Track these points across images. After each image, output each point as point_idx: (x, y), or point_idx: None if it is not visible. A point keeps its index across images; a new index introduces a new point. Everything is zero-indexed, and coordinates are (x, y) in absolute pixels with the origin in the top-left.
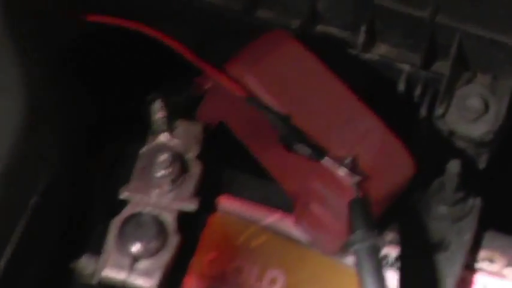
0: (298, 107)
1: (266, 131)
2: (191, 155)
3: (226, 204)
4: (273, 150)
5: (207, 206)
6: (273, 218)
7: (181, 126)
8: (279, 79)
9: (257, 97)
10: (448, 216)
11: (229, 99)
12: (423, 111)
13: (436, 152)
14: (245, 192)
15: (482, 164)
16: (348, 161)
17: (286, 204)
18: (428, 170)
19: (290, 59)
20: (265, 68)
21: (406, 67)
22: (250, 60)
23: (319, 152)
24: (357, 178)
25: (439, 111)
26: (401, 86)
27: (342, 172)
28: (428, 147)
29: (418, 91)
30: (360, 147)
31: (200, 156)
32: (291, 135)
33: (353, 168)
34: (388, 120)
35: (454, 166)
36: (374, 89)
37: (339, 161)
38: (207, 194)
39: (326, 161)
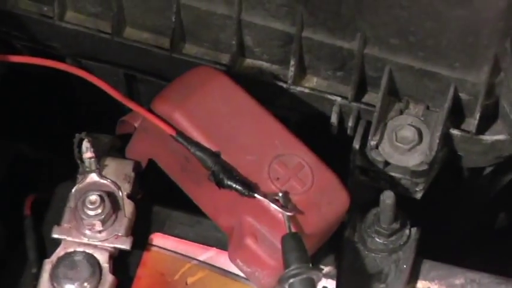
0: (228, 142)
1: (196, 168)
2: (122, 194)
3: (161, 241)
4: (204, 187)
5: (141, 244)
6: (208, 254)
7: (111, 164)
8: (208, 115)
9: (186, 134)
10: (385, 248)
11: (158, 136)
12: (356, 143)
13: (371, 184)
14: (179, 229)
15: (418, 193)
16: (279, 196)
17: (221, 240)
18: (363, 202)
19: (219, 94)
20: (194, 104)
21: (337, 99)
22: (178, 97)
23: (249, 188)
24: (288, 213)
25: (372, 142)
26: (333, 118)
27: (273, 207)
28: (363, 179)
29: (350, 123)
30: (293, 181)
31: (131, 195)
32: (221, 172)
33: (285, 203)
34: (322, 153)
35: (388, 197)
36: (306, 122)
37: (271, 196)
38: (140, 232)
39: (258, 197)
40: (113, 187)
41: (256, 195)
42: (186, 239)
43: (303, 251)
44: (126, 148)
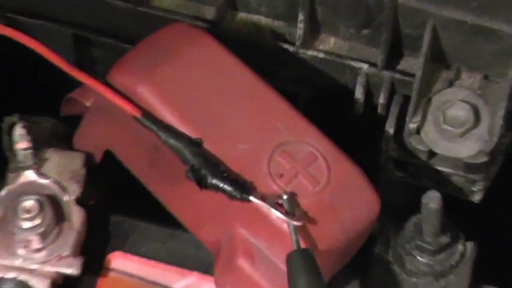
0: (213, 126)
1: (169, 161)
2: (69, 197)
3: (122, 263)
4: (180, 187)
5: (95, 267)
6: (186, 281)
7: (53, 158)
8: (185, 89)
9: (155, 115)
10: (430, 270)
11: (118, 119)
12: (390, 127)
13: (410, 182)
14: (147, 246)
15: (476, 195)
16: (283, 199)
17: (204, 261)
18: (398, 207)
19: (200, 61)
20: (166, 75)
21: (363, 67)
22: (144, 65)
23: (242, 189)
24: (295, 222)
25: (411, 125)
26: (357, 93)
27: (275, 215)
28: (398, 176)
29: (381, 99)
30: (302, 179)
31: (81, 199)
32: (204, 167)
33: (291, 209)
34: (342, 141)
35: (432, 199)
36: (320, 98)
37: (272, 199)
38: (94, 251)
39: (254, 200)
40: (56, 189)
41: (251, 198)
42: (156, 259)
43: (315, 273)
44: (74, 136)
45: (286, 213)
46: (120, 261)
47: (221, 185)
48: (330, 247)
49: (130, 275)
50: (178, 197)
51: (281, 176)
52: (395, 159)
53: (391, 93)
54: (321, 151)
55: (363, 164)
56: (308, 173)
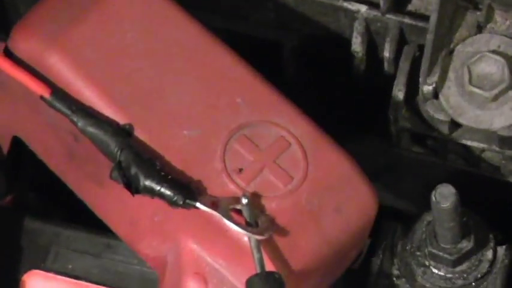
0: (146, 107)
1: (94, 155)
2: None
3: (41, 285)
4: (108, 189)
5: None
6: None
7: None
8: (108, 57)
9: (69, 93)
10: (448, 286)
11: (22, 97)
12: (398, 89)
13: (428, 158)
14: (74, 262)
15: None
16: (243, 203)
17: (149, 281)
18: (406, 201)
19: (129, 15)
20: (82, 37)
21: (361, 9)
22: (52, 25)
23: (187, 192)
24: (259, 236)
25: (426, 88)
26: (355, 45)
27: (231, 225)
28: (416, 152)
29: (386, 51)
30: (269, 174)
31: None
32: (134, 165)
33: (252, 217)
34: (334, 111)
35: (445, 197)
36: (307, 50)
37: (227, 204)
38: (3, 271)
39: (202, 208)
40: None
41: (198, 204)
42: (87, 279)
43: None
44: None
45: (246, 224)
46: (39, 283)
47: (157, 188)
48: (308, 265)
49: None
50: (107, 200)
51: (240, 171)
52: (408, 131)
53: (400, 43)
54: (295, 135)
55: (361, 143)
56: (277, 166)
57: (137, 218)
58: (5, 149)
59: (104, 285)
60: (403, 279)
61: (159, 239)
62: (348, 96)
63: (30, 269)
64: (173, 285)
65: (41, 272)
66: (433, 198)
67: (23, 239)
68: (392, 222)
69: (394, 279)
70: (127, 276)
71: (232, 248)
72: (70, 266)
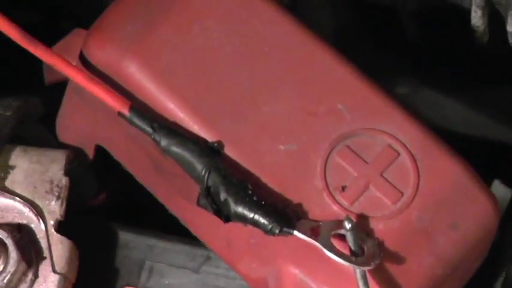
0: (236, 120)
1: (179, 169)
2: (46, 224)
3: None
4: (198, 210)
5: None
6: None
7: (21, 164)
8: (191, 64)
9: (150, 107)
10: None
11: (103, 108)
12: None
13: None
14: (172, 277)
15: None
16: (346, 228)
17: None
18: None
19: (213, 15)
20: (162, 43)
21: None
22: (129, 31)
23: (284, 219)
24: (365, 267)
25: None
26: (475, 19)
27: (332, 256)
28: None
29: (509, 25)
30: (376, 191)
31: (65, 222)
32: (224, 189)
33: (357, 245)
34: (454, 88)
35: None
36: (427, 18)
37: (328, 229)
38: (98, 285)
39: (300, 237)
40: (25, 212)
41: (296, 233)
42: None
43: None
44: (56, 120)
45: (351, 252)
46: None
47: (251, 215)
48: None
49: None
50: (199, 218)
51: (343, 189)
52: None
53: None
54: (404, 142)
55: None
56: (385, 180)
57: (233, 239)
58: (89, 157)
59: None
60: None
61: (257, 261)
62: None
63: (123, 286)
64: None
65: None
66: None
67: (115, 253)
68: None
69: None
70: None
71: (338, 275)
72: (166, 282)
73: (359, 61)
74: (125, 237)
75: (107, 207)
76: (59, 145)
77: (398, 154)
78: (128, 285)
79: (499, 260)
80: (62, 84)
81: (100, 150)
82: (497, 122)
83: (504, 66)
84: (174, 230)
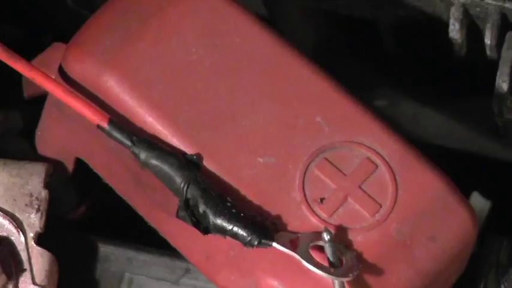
0: (214, 133)
1: (158, 182)
2: (26, 236)
3: None
4: (178, 220)
5: None
6: None
7: (2, 173)
8: (170, 76)
9: (129, 120)
10: None
11: (81, 121)
12: (502, 79)
13: None
14: None
15: None
16: (325, 240)
17: None
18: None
19: (191, 27)
20: (141, 56)
21: None
22: (107, 44)
23: (262, 231)
24: (344, 278)
25: None
26: (452, 31)
27: (311, 267)
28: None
29: (488, 38)
30: (354, 204)
31: (44, 235)
32: (203, 202)
33: (335, 257)
34: (431, 100)
35: None
36: (403, 31)
37: (307, 241)
38: None
39: (279, 248)
40: (4, 224)
41: (275, 245)
42: None
43: None
44: (36, 133)
45: (329, 264)
46: None
47: (230, 227)
48: None
49: None
50: (179, 230)
51: (321, 201)
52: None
53: (502, 29)
54: (382, 155)
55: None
56: (363, 192)
57: (212, 251)
58: (69, 170)
59: None
60: None
61: (237, 273)
62: (445, 87)
63: None
64: None
65: None
66: None
67: (94, 266)
68: (497, 236)
69: None
70: None
71: (317, 287)
72: None
73: (338, 74)
74: (105, 249)
75: (86, 221)
76: (39, 159)
77: (377, 166)
78: None
79: (477, 272)
80: (42, 99)
81: (80, 164)
82: (476, 133)
83: (482, 78)
84: (153, 242)
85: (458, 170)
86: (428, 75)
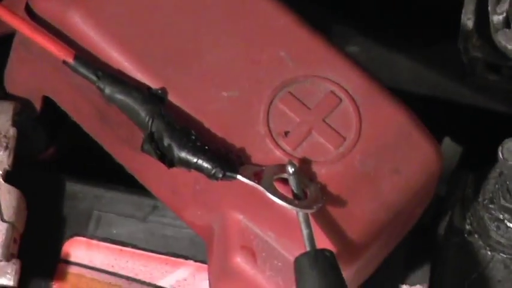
0: (179, 67)
1: (123, 118)
2: None
3: (84, 254)
4: (143, 155)
5: (46, 262)
6: (177, 275)
7: None
8: (135, 12)
9: (93, 56)
10: None
11: (47, 58)
12: (467, 17)
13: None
14: (119, 227)
15: None
16: (289, 172)
17: (202, 244)
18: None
19: None
20: None
21: None
22: None
23: (227, 163)
24: (307, 210)
25: (496, 17)
26: None
27: (275, 199)
28: (490, 80)
29: None
30: (318, 136)
31: (12, 172)
32: (168, 135)
33: (299, 188)
34: (395, 39)
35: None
36: None
37: (271, 174)
38: (41, 240)
39: (243, 180)
40: None
41: (239, 177)
42: (133, 245)
43: (336, 281)
44: (4, 73)
45: (293, 196)
46: (81, 251)
47: (194, 160)
48: (366, 235)
49: (98, 270)
50: (145, 166)
51: (286, 134)
52: (481, 60)
53: None
54: (346, 89)
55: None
56: (327, 125)
57: (178, 186)
58: (37, 108)
59: (150, 250)
60: (476, 236)
61: (203, 208)
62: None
63: (71, 236)
64: (221, 258)
65: (83, 238)
66: (500, 155)
67: (62, 204)
68: (464, 171)
69: (466, 235)
70: (175, 240)
71: (282, 219)
72: (114, 231)
73: (308, 21)
74: (72, 188)
75: (56, 162)
76: (7, 98)
77: (341, 100)
78: (76, 235)
79: (443, 206)
80: (10, 39)
81: (49, 104)
82: (446, 79)
83: (451, 23)
84: (122, 181)
85: (430, 116)
86: (399, 21)
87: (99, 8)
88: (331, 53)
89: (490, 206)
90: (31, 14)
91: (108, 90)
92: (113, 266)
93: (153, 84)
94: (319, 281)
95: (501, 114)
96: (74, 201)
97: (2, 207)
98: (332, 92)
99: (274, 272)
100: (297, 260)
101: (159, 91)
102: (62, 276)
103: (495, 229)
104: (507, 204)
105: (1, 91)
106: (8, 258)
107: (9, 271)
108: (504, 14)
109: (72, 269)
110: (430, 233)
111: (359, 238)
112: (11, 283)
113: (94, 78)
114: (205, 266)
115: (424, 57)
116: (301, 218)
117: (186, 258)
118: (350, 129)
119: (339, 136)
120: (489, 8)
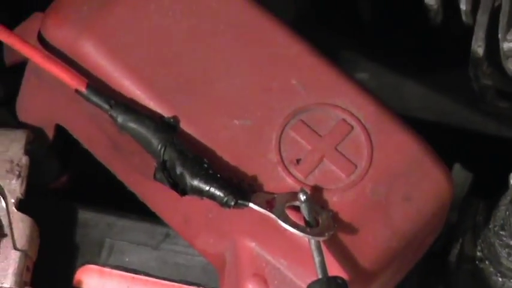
0: (191, 96)
1: (136, 146)
2: (7, 201)
3: (96, 281)
4: (156, 182)
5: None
6: None
7: None
8: (147, 41)
9: (106, 84)
10: None
11: (60, 87)
12: (477, 45)
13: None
14: (131, 255)
15: None
16: (301, 200)
17: (213, 273)
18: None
19: None
20: (118, 20)
21: None
22: (85, 9)
23: (239, 191)
24: (319, 237)
25: (506, 45)
26: None
27: (287, 227)
28: (501, 107)
29: (461, 3)
30: (330, 164)
31: (25, 200)
32: (180, 164)
33: (311, 216)
34: (408, 68)
35: None
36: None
37: (283, 202)
38: (54, 268)
39: (255, 208)
40: None
41: (251, 205)
42: (145, 273)
43: None
44: (17, 101)
45: (305, 223)
46: (94, 279)
47: (206, 188)
48: (378, 263)
49: None
50: (157, 194)
51: (298, 162)
52: (492, 87)
53: None
54: (358, 117)
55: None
56: (339, 153)
57: (190, 214)
58: (49, 137)
59: (163, 278)
60: (487, 262)
61: (215, 236)
62: (421, 54)
63: (84, 263)
64: (233, 286)
65: (96, 266)
66: (511, 182)
67: (75, 232)
68: (474, 198)
69: (477, 262)
70: (188, 268)
71: (294, 247)
72: (127, 259)
73: (318, 47)
74: (85, 215)
75: (68, 190)
76: (20, 126)
77: (352, 128)
78: (89, 263)
79: (455, 234)
80: (23, 68)
81: (61, 132)
82: (457, 106)
83: (462, 49)
84: (134, 209)
85: (440, 143)
86: (409, 47)
87: (111, 36)
88: (342, 81)
89: (501, 232)
90: (43, 43)
91: (120, 118)
92: None
93: (165, 112)
94: None
95: None
96: (86, 229)
97: (15, 236)
98: (343, 119)
99: None
100: (313, 284)
101: (171, 119)
102: None
103: (506, 256)
104: None
105: (14, 120)
106: (21, 286)
107: None
108: None
109: None
110: (442, 260)
111: (371, 266)
112: None
113: (107, 106)
114: None
115: (434, 84)
116: (313, 246)
117: (199, 286)
118: (361, 157)
119: (350, 164)
120: (499, 36)
